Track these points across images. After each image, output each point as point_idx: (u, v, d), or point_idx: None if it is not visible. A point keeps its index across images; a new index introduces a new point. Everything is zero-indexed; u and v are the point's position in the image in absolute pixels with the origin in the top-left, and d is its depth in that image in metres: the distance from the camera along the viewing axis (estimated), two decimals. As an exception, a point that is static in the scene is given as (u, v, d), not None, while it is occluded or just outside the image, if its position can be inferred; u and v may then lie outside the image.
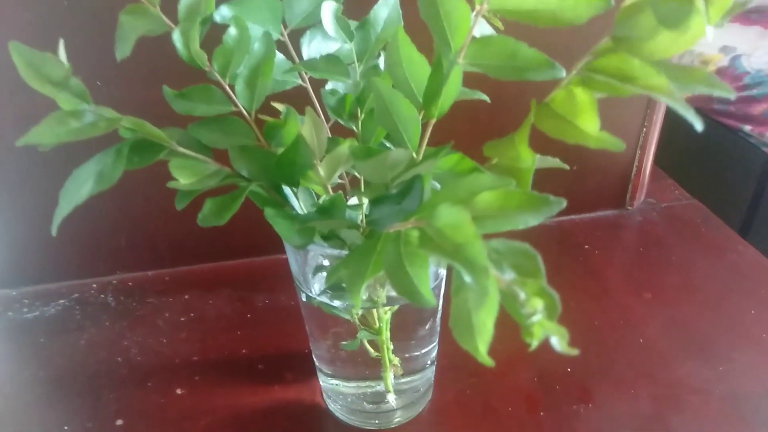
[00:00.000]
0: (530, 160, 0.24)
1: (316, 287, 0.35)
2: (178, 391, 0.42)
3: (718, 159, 1.10)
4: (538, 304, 0.19)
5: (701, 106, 1.12)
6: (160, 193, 0.52)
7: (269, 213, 0.30)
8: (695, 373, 0.42)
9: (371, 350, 0.35)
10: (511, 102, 0.47)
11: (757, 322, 0.46)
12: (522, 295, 0.20)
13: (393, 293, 0.35)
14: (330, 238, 0.30)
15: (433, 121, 0.29)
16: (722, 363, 0.43)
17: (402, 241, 0.24)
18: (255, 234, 0.54)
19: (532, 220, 0.22)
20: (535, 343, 0.20)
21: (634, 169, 0.56)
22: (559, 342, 0.19)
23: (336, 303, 0.34)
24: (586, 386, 0.41)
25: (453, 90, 0.28)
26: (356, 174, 0.34)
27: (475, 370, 0.43)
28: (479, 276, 0.20)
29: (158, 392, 0.42)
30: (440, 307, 0.36)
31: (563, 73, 0.23)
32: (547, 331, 0.19)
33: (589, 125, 0.23)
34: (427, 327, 0.36)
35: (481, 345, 0.21)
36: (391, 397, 0.37)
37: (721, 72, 1.09)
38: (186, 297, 0.51)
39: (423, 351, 0.37)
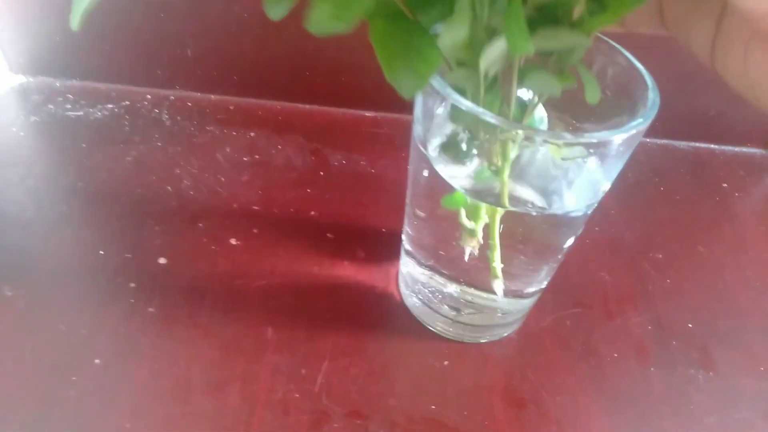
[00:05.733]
0: None
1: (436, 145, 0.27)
2: (233, 242, 0.36)
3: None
4: None
5: None
6: (245, 4, 0.43)
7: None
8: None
9: (470, 235, 0.27)
10: None
11: None
12: None
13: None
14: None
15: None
16: None
17: None
18: (342, 78, 0.45)
19: None
20: None
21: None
22: None
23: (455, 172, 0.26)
24: (708, 349, 0.34)
25: None
26: None
27: (581, 299, 0.36)
28: None
29: (210, 237, 0.36)
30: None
31: None
32: None
33: None
34: (566, 245, 0.29)
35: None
36: (499, 287, 0.29)
37: None
38: (252, 134, 0.44)
39: (541, 272, 0.30)
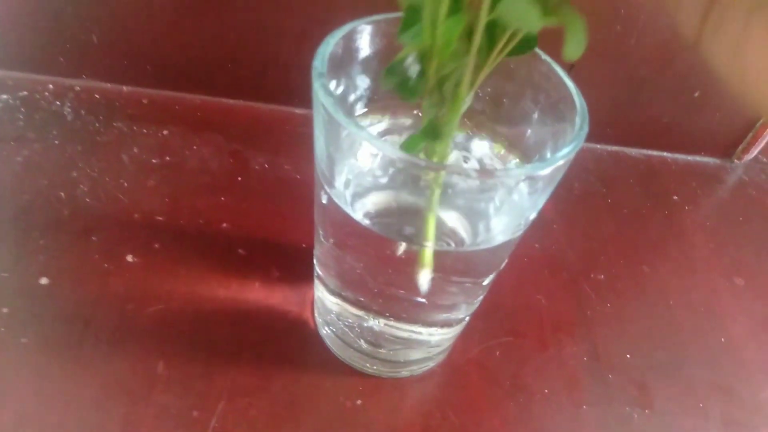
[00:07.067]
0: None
1: (341, 183, 0.24)
2: (129, 258, 0.32)
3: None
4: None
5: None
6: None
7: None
8: (780, 398, 0.33)
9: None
10: None
11: None
12: None
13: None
14: None
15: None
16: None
17: None
18: (269, 71, 0.41)
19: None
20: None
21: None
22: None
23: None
24: (646, 384, 0.32)
25: None
26: None
27: (514, 327, 0.33)
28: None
29: (103, 253, 0.32)
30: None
31: None
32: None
33: None
34: (486, 281, 0.26)
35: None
36: (425, 277, 0.25)
37: None
38: (165, 132, 0.39)
39: (464, 302, 0.27)
